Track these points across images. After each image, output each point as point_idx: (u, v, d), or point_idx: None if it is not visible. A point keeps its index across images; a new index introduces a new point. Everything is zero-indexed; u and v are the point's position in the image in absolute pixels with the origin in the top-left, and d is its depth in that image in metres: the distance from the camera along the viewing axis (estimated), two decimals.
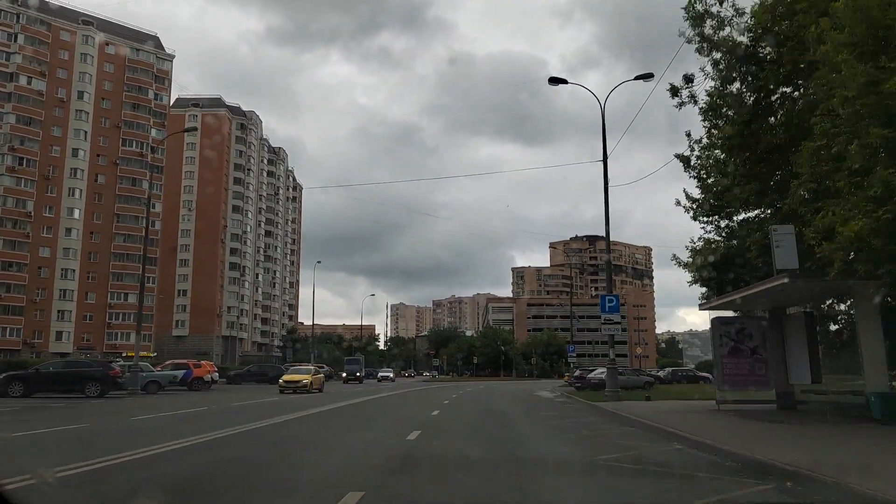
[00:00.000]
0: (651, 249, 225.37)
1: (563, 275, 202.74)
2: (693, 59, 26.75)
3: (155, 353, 79.48)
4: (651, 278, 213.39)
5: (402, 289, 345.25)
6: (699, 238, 21.03)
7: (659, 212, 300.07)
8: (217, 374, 40.36)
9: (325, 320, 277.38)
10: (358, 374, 43.03)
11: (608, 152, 25.00)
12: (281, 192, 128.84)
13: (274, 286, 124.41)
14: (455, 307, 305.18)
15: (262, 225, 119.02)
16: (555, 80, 25.46)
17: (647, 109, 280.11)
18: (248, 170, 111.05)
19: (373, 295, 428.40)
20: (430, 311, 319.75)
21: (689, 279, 21.50)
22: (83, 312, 78.62)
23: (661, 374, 53.49)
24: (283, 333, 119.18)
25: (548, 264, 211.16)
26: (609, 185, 24.34)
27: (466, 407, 22.76)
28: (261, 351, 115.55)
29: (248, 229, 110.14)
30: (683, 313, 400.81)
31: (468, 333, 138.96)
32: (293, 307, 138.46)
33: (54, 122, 77.87)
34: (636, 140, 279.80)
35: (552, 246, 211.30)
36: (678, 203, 19.86)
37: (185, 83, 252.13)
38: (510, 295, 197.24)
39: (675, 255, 22.18)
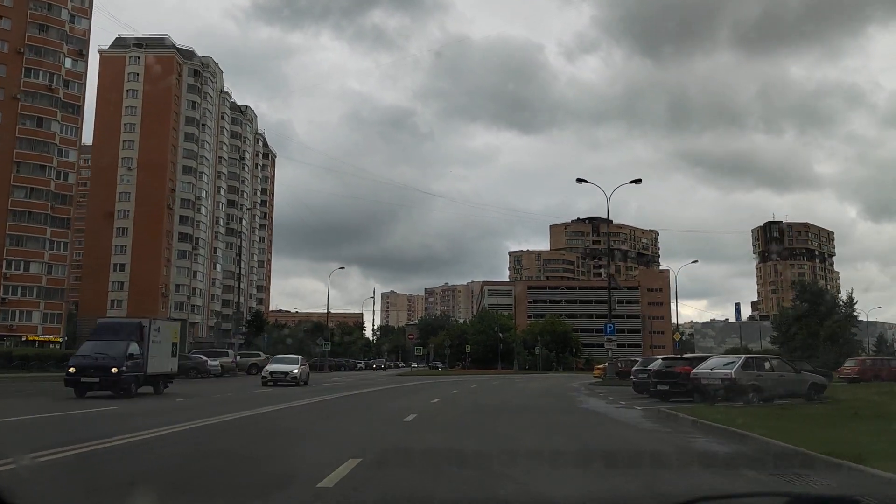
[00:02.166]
0: (657, 234, 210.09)
1: (564, 259, 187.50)
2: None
3: (65, 338, 63.68)
4: (658, 264, 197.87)
5: (396, 279, 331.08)
6: None
7: (659, 201, 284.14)
8: None
9: (318, 310, 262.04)
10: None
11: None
12: (248, 156, 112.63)
13: (239, 264, 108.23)
14: (448, 295, 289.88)
15: (224, 192, 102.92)
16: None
17: (645, 95, 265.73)
18: (204, 125, 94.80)
19: (371, 297, 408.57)
20: (422, 300, 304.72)
21: None
22: None
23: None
24: (248, 318, 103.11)
25: (548, 248, 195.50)
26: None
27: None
28: (226, 337, 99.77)
29: (204, 195, 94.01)
30: (680, 306, 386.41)
31: (461, 321, 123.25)
32: (263, 289, 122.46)
33: None
34: (634, 128, 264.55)
35: (553, 228, 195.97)
36: None
37: None
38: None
39: None
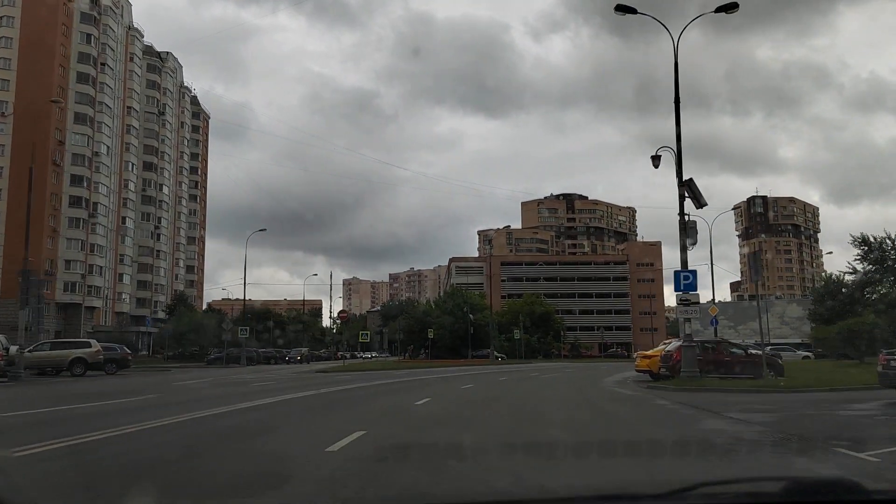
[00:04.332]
0: (635, 211, 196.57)
1: (537, 238, 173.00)
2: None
3: None
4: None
5: (362, 268, 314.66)
6: None
7: (623, 187, 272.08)
8: None
9: (277, 297, 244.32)
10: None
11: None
12: (170, 113, 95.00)
13: (158, 238, 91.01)
14: (414, 281, 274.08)
15: (135, 151, 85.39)
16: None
17: (613, 77, 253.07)
18: (104, 64, 77.04)
19: (315, 274, 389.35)
20: (386, 286, 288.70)
21: None
22: None
23: None
24: (169, 303, 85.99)
25: (520, 226, 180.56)
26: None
27: None
28: (137, 325, 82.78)
29: (105, 150, 76.39)
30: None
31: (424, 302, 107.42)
32: (194, 269, 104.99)
33: None
34: (602, 111, 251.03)
35: (524, 205, 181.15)
36: None
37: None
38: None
39: None
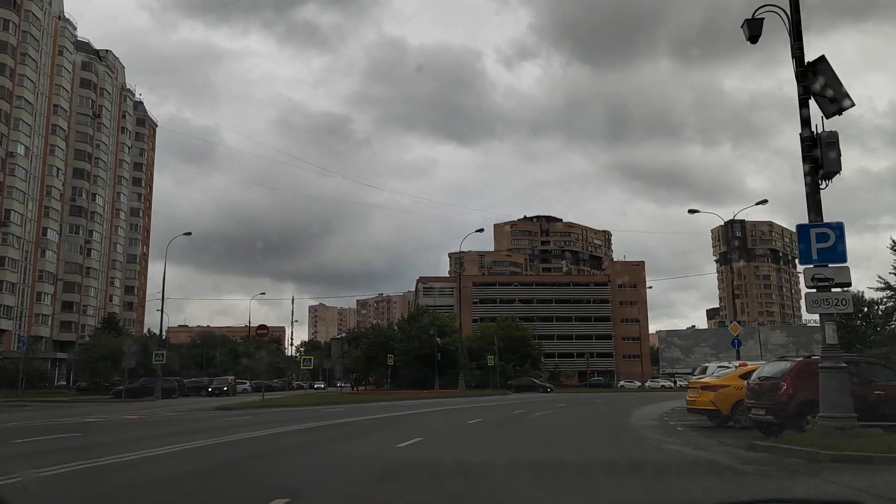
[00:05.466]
0: (610, 235, 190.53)
1: (510, 261, 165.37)
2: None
3: None
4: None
5: (331, 295, 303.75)
6: None
7: (592, 217, 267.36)
8: None
9: (242, 324, 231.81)
10: None
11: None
12: (108, 116, 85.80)
13: (89, 254, 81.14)
14: (383, 307, 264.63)
15: (62, 155, 75.91)
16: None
17: (585, 106, 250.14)
18: (24, 55, 67.93)
19: (263, 293, 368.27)
20: (354, 313, 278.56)
21: None
22: None
23: None
24: (97, 326, 75.95)
25: (492, 248, 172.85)
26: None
27: None
28: (64, 349, 72.98)
29: (21, 151, 66.92)
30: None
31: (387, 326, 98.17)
32: (134, 290, 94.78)
33: None
34: (573, 140, 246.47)
35: (497, 227, 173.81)
36: None
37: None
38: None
39: None
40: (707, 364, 21.85)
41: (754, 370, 12.92)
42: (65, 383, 67.47)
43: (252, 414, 21.68)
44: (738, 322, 44.74)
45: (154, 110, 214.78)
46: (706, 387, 13.79)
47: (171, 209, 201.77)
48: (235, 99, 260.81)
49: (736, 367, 13.99)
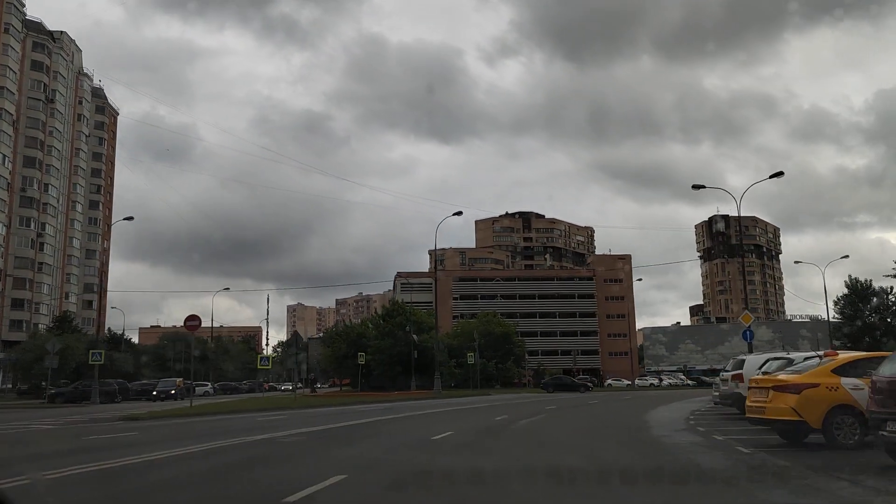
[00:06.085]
0: (593, 231, 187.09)
1: (492, 258, 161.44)
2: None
3: None
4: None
5: (312, 295, 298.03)
6: None
7: (574, 216, 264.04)
8: None
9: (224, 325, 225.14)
10: None
11: None
12: (62, 101, 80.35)
13: (41, 248, 75.73)
14: (362, 306, 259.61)
15: (11, 142, 70.51)
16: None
17: (567, 104, 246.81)
18: None
19: (227, 288, 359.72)
20: (333, 312, 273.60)
21: None
22: None
23: None
24: (49, 325, 70.59)
25: (473, 245, 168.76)
26: None
27: None
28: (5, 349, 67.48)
29: None
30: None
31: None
32: (93, 288, 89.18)
33: None
34: (555, 138, 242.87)
35: (479, 224, 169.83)
36: None
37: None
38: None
39: None
40: (744, 357, 17.52)
41: (852, 362, 8.76)
42: (10, 386, 62.32)
43: (162, 426, 17.16)
44: (721, 319, 41.02)
45: (129, 107, 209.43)
46: (780, 386, 9.37)
47: (146, 210, 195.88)
48: (213, 97, 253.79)
49: (821, 357, 9.64)
